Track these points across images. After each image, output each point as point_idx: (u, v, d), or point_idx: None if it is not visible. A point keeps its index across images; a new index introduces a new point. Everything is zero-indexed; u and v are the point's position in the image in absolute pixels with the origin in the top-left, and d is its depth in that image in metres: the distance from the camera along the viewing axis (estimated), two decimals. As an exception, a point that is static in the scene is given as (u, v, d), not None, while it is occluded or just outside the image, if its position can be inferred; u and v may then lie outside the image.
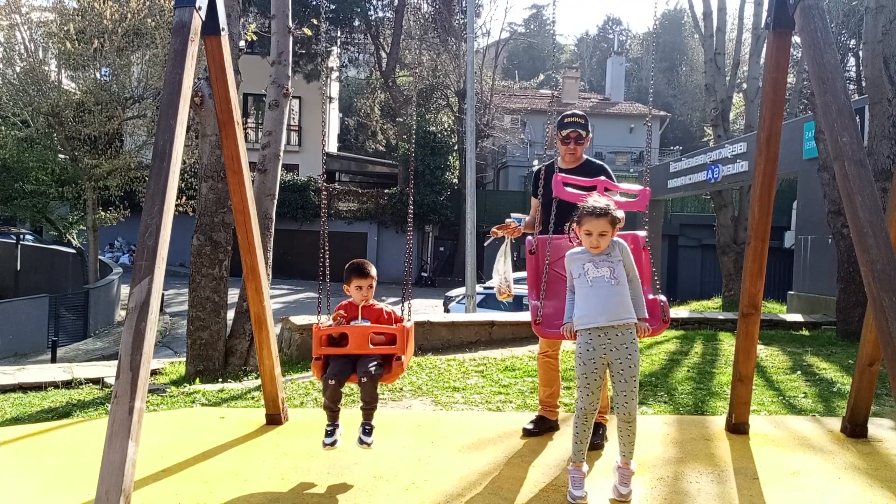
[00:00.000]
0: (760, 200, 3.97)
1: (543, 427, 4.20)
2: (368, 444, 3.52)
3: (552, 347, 4.18)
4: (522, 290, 5.36)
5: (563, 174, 3.87)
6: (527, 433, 4.18)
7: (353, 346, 3.49)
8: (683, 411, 5.03)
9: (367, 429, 3.52)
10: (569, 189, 3.74)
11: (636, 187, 3.84)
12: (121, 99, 16.94)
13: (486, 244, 4.85)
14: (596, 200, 3.30)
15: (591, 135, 4.25)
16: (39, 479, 3.58)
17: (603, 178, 3.79)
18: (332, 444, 3.53)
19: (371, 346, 3.50)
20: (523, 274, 4.23)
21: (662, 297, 3.53)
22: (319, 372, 3.54)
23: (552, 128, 4.35)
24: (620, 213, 3.31)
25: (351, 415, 3.93)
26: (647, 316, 3.34)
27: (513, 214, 4.45)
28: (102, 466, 2.61)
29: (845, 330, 8.71)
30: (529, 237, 3.97)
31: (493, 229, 4.35)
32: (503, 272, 4.28)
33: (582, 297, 3.28)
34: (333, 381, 3.46)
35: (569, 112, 4.29)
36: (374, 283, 3.69)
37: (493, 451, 3.95)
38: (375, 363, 3.48)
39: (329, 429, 3.54)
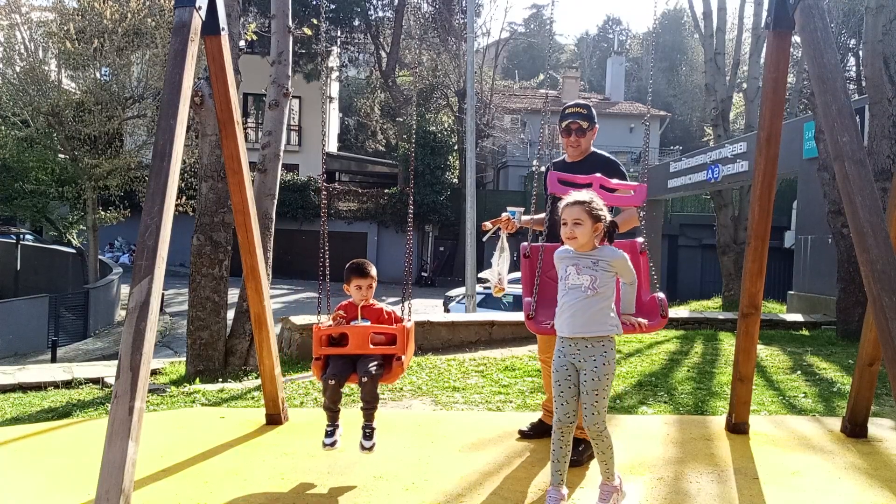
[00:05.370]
0: (760, 200, 3.97)
1: (539, 430, 4.16)
2: (370, 449, 3.53)
3: (550, 351, 4.12)
4: (516, 289, 5.27)
5: (559, 171, 3.77)
6: (522, 435, 4.17)
7: (354, 346, 3.49)
8: (683, 411, 5.03)
9: (367, 432, 3.53)
10: (563, 186, 3.63)
11: (632, 183, 3.79)
12: (121, 99, 16.95)
13: (484, 239, 4.78)
14: (578, 192, 3.20)
15: (595, 126, 4.06)
16: (39, 479, 3.57)
17: (599, 174, 3.62)
18: (332, 444, 3.53)
19: (371, 346, 3.51)
20: (517, 274, 4.14)
21: (661, 295, 3.51)
22: (319, 372, 3.55)
23: (549, 127, 4.29)
24: (599, 203, 3.12)
25: (351, 415, 3.93)
26: (633, 312, 3.28)
27: (509, 208, 4.29)
28: (102, 466, 2.61)
29: (845, 330, 8.72)
30: (524, 243, 3.90)
31: (485, 223, 4.20)
32: (496, 267, 4.14)
33: (559, 304, 3.18)
34: (333, 381, 3.47)
35: (571, 103, 4.15)
36: (374, 284, 3.70)
37: (493, 451, 3.95)
38: (376, 363, 3.48)
39: (329, 429, 3.54)
